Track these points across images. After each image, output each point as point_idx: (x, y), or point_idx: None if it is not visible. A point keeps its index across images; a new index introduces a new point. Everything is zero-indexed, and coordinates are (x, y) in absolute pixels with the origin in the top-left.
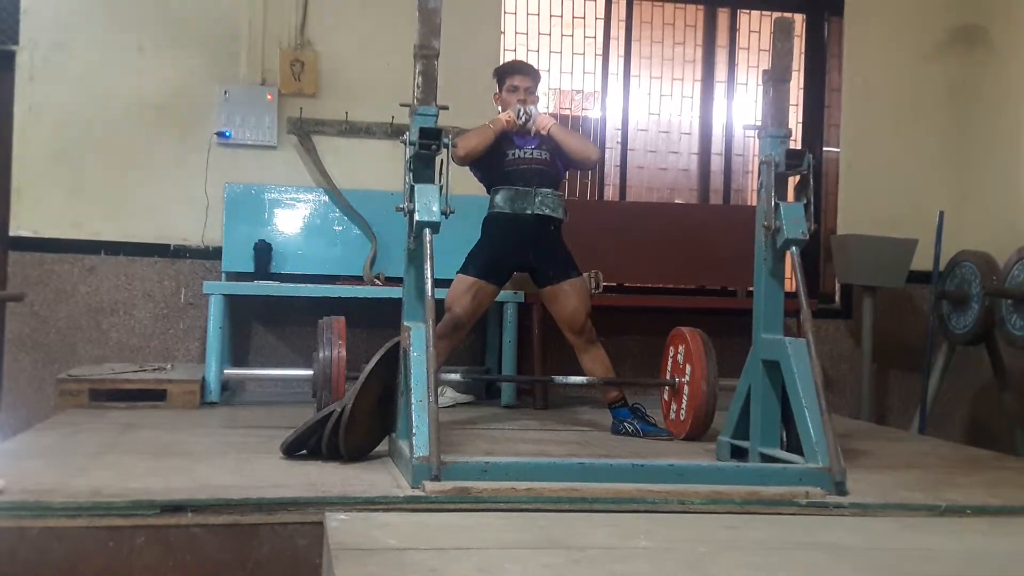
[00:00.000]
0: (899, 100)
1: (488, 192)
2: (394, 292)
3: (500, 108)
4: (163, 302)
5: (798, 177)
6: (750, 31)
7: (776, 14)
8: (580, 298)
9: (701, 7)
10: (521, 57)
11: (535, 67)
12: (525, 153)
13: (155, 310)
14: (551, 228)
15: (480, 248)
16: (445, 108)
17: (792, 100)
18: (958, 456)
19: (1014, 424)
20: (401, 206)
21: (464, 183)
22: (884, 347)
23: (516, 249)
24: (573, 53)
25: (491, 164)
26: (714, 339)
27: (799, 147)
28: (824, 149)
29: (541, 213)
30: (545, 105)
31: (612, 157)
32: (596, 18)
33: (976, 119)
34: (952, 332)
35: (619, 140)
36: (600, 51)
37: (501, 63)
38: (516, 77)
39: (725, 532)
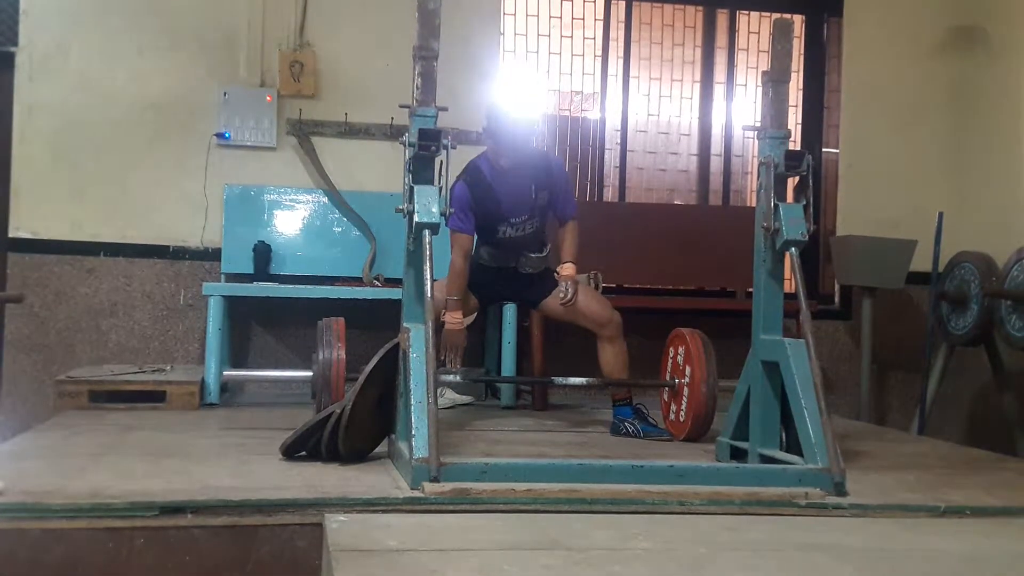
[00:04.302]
0: (898, 101)
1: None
2: (393, 293)
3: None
4: (162, 303)
5: (797, 178)
6: (749, 32)
7: (775, 15)
8: (581, 293)
9: (700, 8)
10: (520, 59)
11: (530, 114)
12: (516, 231)
13: (154, 311)
14: (533, 274)
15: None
16: (444, 109)
17: (791, 101)
18: (957, 457)
19: (1013, 425)
20: (400, 207)
21: None
22: (883, 348)
23: (500, 288)
24: (572, 54)
25: (481, 231)
26: (713, 340)
27: (798, 148)
28: (823, 150)
29: (524, 272)
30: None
31: (611, 158)
32: (595, 19)
33: (975, 120)
34: (951, 333)
35: (618, 141)
36: (599, 52)
37: (493, 97)
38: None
39: (725, 533)
